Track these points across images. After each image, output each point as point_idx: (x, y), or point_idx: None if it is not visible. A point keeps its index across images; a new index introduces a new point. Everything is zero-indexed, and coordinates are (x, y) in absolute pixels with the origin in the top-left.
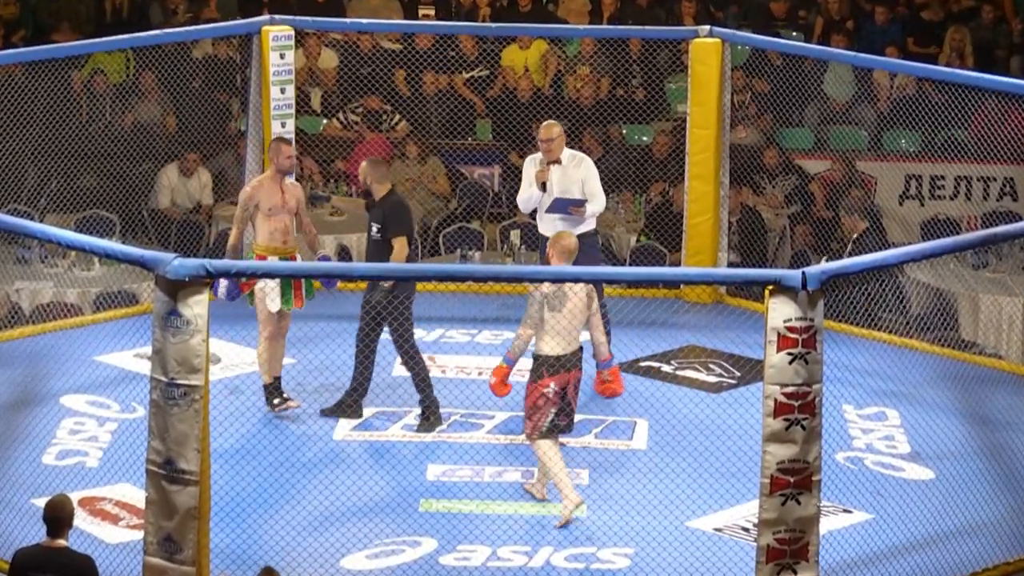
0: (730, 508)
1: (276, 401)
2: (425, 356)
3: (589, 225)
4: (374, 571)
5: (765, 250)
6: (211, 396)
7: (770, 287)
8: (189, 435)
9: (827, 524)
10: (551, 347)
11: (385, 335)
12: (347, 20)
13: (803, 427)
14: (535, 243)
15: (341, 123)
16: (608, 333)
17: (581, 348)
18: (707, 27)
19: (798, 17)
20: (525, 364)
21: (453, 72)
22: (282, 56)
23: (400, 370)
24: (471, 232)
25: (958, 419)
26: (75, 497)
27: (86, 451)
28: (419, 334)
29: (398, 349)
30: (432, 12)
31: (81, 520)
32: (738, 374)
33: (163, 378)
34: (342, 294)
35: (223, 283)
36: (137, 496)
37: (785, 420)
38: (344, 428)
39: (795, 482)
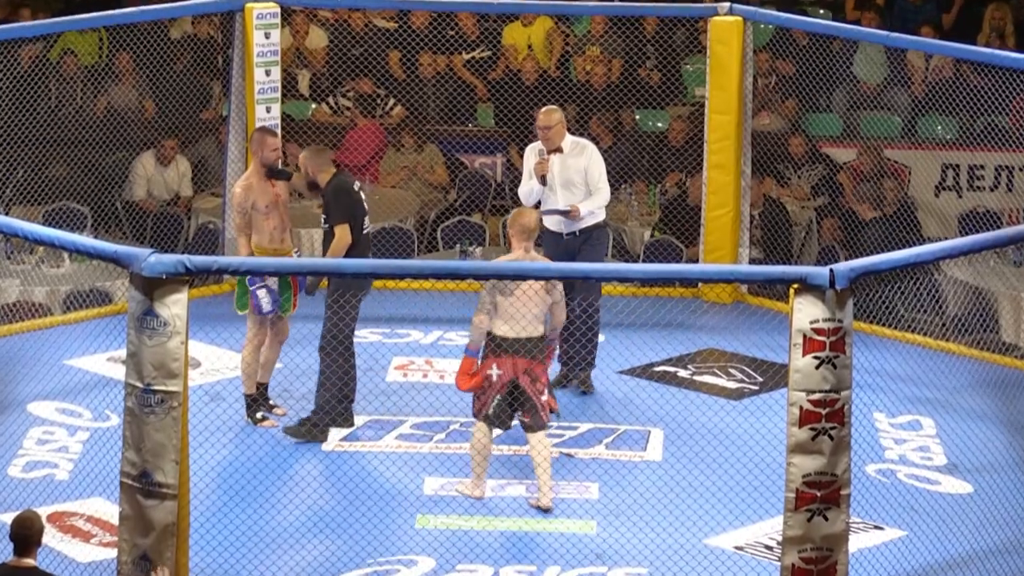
0: (752, 525)
1: (259, 415)
2: (422, 360)
3: (597, 217)
4: None
5: (790, 245)
6: (190, 403)
7: (795, 286)
8: (166, 446)
9: (857, 542)
10: (502, 328)
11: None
12: None
13: (831, 437)
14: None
15: (331, 108)
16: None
17: (542, 339)
18: (727, 4)
19: None
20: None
21: (452, 53)
22: (267, 35)
23: (395, 375)
24: (472, 226)
25: (998, 428)
26: (44, 512)
27: (55, 463)
28: (416, 336)
29: (322, 341)
30: None
31: (50, 537)
32: (760, 380)
33: (138, 384)
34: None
35: (263, 294)
36: (110, 511)
37: (811, 429)
38: (334, 438)
39: (822, 496)
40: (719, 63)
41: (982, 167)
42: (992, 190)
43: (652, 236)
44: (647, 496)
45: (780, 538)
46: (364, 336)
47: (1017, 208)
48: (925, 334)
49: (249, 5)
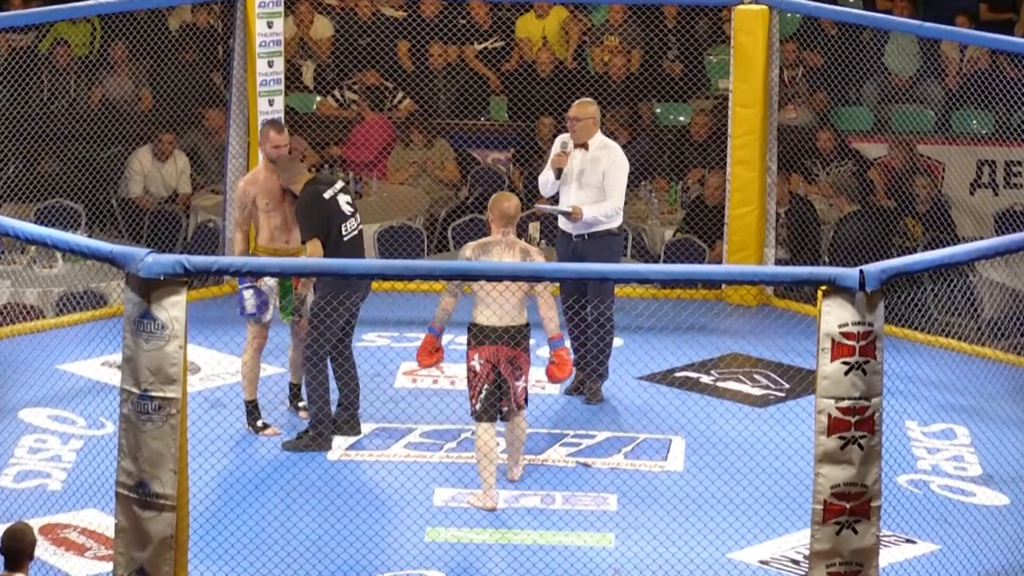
0: (778, 538)
1: (259, 423)
2: None
3: (611, 222)
4: None
5: (818, 246)
6: (189, 410)
7: (823, 287)
8: (164, 454)
9: (888, 556)
10: (480, 317)
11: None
12: None
13: (861, 446)
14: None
15: (337, 101)
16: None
17: (526, 327)
18: None
19: None
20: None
21: (463, 43)
22: (270, 25)
23: (403, 381)
24: (484, 224)
25: None
26: (36, 524)
27: (48, 472)
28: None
29: (307, 349)
30: None
31: (43, 550)
32: (787, 386)
33: (135, 390)
34: None
35: (248, 295)
36: (106, 523)
37: (840, 438)
38: (340, 447)
39: (851, 508)
40: (744, 54)
41: (1019, 163)
42: None
43: (673, 236)
44: (668, 508)
45: (807, 552)
46: (371, 340)
47: None
48: (959, 338)
49: None
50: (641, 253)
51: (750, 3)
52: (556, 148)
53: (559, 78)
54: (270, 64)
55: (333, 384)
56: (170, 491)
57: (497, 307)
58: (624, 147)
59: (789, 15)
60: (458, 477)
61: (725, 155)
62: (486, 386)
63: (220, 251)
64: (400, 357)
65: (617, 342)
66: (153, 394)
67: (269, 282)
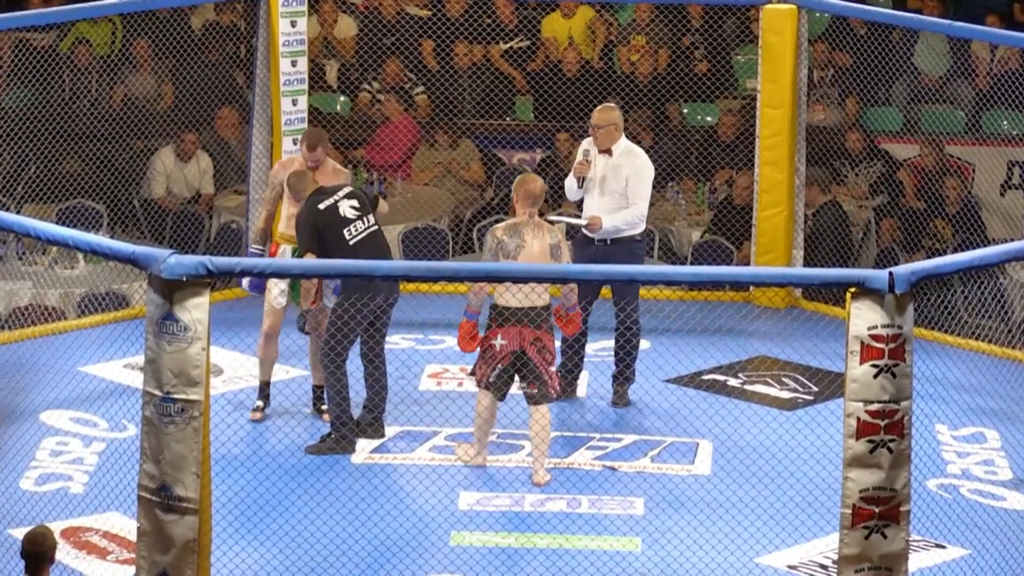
0: (806, 542)
1: (256, 404)
2: (456, 367)
3: (633, 229)
4: None
5: (847, 247)
6: (212, 413)
7: (852, 289)
8: (187, 457)
9: (917, 561)
10: (504, 297)
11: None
12: None
13: (890, 450)
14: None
15: (370, 94)
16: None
17: (547, 308)
18: None
19: None
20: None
21: (489, 43)
22: (293, 24)
23: (428, 383)
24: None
25: None
26: (57, 528)
27: (70, 475)
28: (450, 342)
29: (324, 350)
30: None
31: (64, 554)
32: (815, 389)
33: (157, 392)
34: None
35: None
36: (128, 526)
37: (869, 442)
38: (364, 450)
39: (881, 513)
40: (772, 54)
41: None
42: None
43: (701, 237)
44: (695, 512)
45: (835, 557)
46: (396, 342)
47: None
48: (990, 341)
49: None
50: (668, 255)
51: (778, 2)
52: (579, 155)
53: (585, 78)
54: (293, 63)
55: (358, 386)
56: (193, 494)
57: (525, 288)
58: (650, 148)
59: (818, 15)
60: (483, 481)
61: (753, 156)
62: (500, 366)
63: (243, 252)
64: (425, 359)
65: (644, 344)
66: (176, 396)
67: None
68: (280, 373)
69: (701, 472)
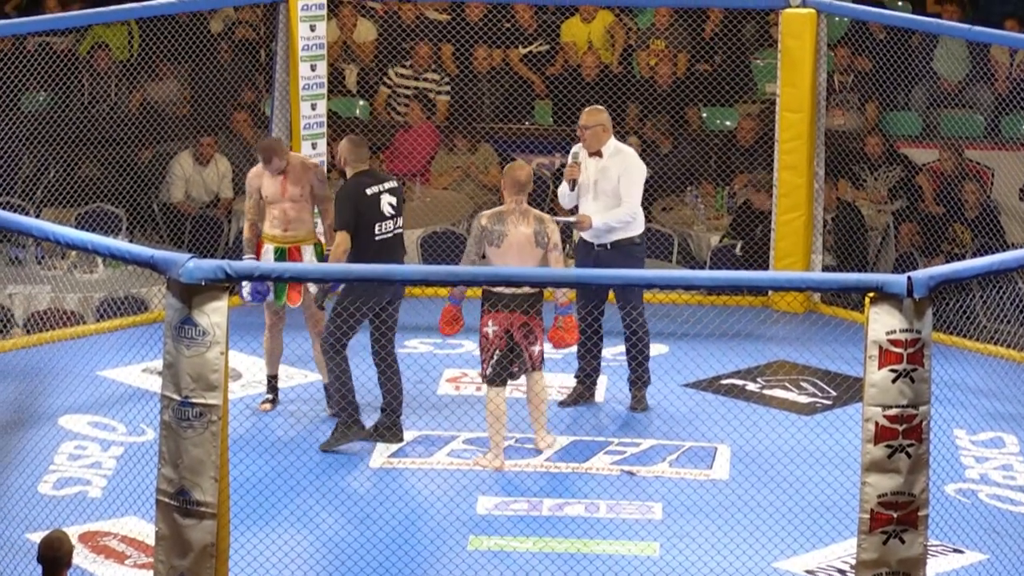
0: (824, 547)
1: (266, 397)
2: (475, 372)
3: (630, 231)
4: None
5: (865, 252)
6: (231, 417)
7: (871, 294)
8: (205, 462)
9: (935, 566)
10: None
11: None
12: None
13: (908, 455)
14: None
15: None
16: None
17: (539, 294)
18: None
19: None
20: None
21: (508, 47)
22: (312, 28)
23: (446, 388)
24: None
25: None
26: (76, 532)
27: (88, 479)
28: (468, 347)
29: (322, 343)
30: None
31: (82, 558)
32: (834, 394)
33: (176, 396)
34: None
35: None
36: (146, 531)
37: (887, 447)
38: (382, 454)
39: (899, 518)
40: (791, 58)
41: None
42: None
43: (720, 241)
44: (713, 517)
45: (853, 562)
46: (414, 347)
47: None
48: (1008, 346)
49: None
50: (687, 259)
51: (798, 6)
52: (569, 159)
53: (604, 82)
54: (313, 68)
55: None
56: (211, 499)
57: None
58: (669, 152)
59: (837, 19)
60: (501, 485)
61: (772, 160)
62: (497, 352)
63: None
64: (443, 364)
65: (662, 349)
66: (194, 401)
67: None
68: (298, 378)
69: (719, 477)
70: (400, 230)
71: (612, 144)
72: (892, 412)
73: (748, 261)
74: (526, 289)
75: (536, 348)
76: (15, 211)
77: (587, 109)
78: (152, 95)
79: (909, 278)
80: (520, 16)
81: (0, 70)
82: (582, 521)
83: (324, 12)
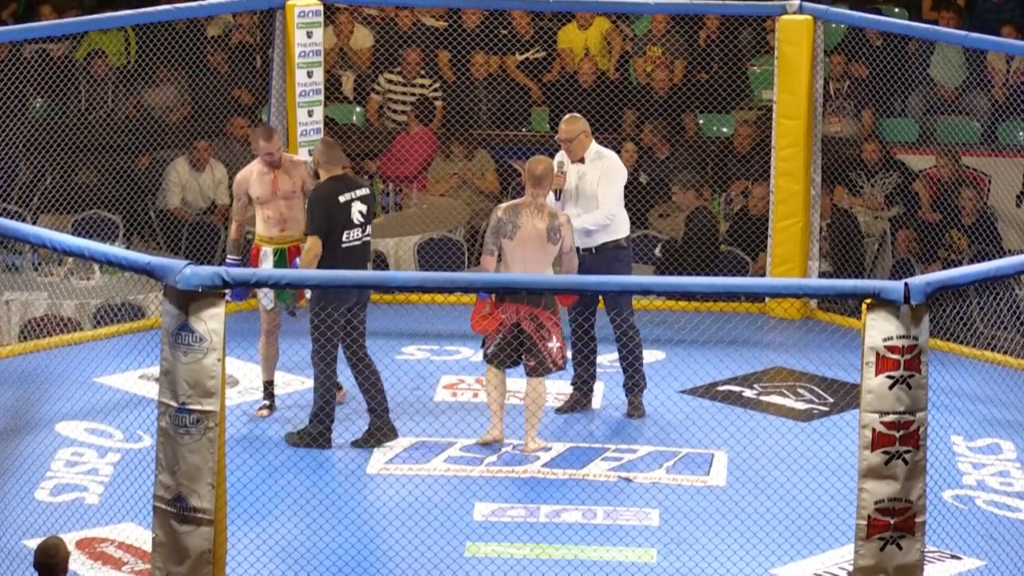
0: (821, 553)
1: (262, 403)
2: (472, 378)
3: (614, 234)
4: None
5: (862, 258)
6: (228, 424)
7: (868, 301)
8: (202, 468)
9: (932, 572)
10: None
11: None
12: None
13: (905, 461)
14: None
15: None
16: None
17: None
18: (796, 2)
19: None
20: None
21: (505, 53)
22: (309, 35)
23: (443, 394)
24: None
25: None
26: (73, 538)
27: (85, 486)
28: (466, 353)
29: (312, 356)
30: None
31: (79, 565)
32: (831, 400)
33: (173, 403)
34: (378, 307)
35: None
36: (143, 537)
37: (885, 453)
38: (379, 460)
39: (896, 524)
40: (788, 65)
41: None
42: None
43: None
44: (710, 523)
45: (851, 568)
46: (411, 353)
47: None
48: (1005, 352)
49: (290, 2)
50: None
51: (794, 13)
52: (555, 167)
53: (601, 89)
54: (309, 74)
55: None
56: (208, 505)
57: (521, 265)
58: (666, 159)
59: (833, 25)
60: (499, 491)
61: (769, 167)
62: (501, 334)
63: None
64: (440, 370)
65: (659, 355)
66: (191, 407)
67: (267, 264)
68: (295, 384)
69: (716, 483)
70: (368, 238)
71: (593, 148)
72: (889, 418)
73: (666, 264)
74: None
75: (553, 345)
76: (12, 218)
77: (565, 119)
78: (149, 101)
79: (906, 284)
80: (517, 23)
81: None
82: (579, 527)
83: (321, 18)
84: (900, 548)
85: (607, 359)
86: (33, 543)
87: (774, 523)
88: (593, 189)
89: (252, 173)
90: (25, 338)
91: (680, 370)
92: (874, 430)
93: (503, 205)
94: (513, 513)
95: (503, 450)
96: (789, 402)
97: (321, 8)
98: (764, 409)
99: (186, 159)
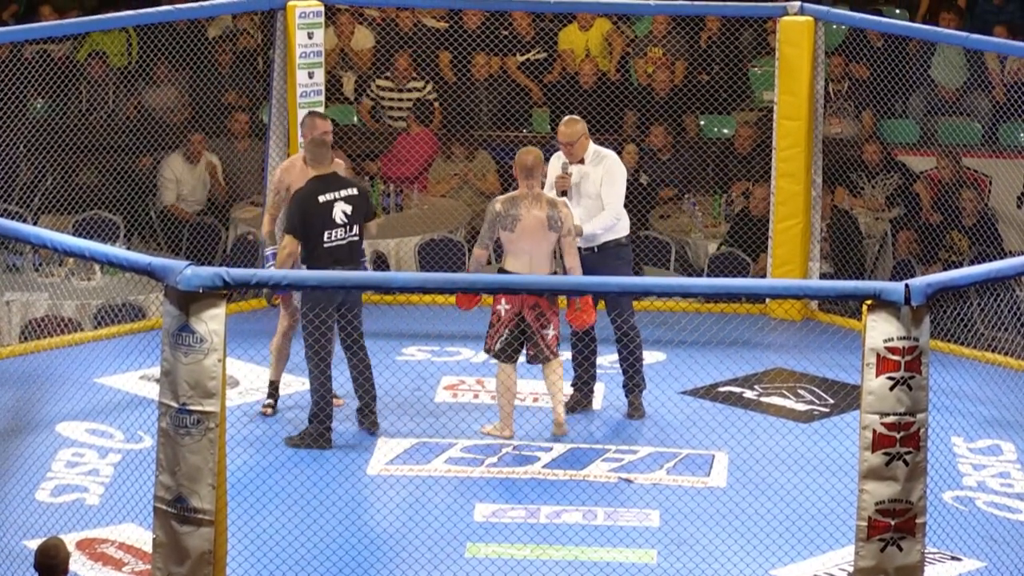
0: (821, 555)
1: (266, 402)
2: (472, 379)
3: (618, 232)
4: None
5: (863, 259)
6: (228, 424)
7: (868, 302)
8: (203, 469)
9: (933, 573)
10: (509, 264)
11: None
12: None
13: (906, 462)
14: None
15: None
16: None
17: (555, 274)
18: (797, 4)
19: None
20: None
21: (506, 54)
22: (310, 36)
23: (444, 395)
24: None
25: None
26: (73, 539)
27: (85, 486)
28: (466, 354)
29: (308, 361)
30: None
31: (79, 565)
32: (831, 401)
33: (173, 403)
34: (378, 308)
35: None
36: (143, 538)
37: (885, 454)
38: (379, 461)
39: (896, 525)
40: (789, 66)
41: None
42: None
43: (717, 249)
44: (711, 524)
45: (851, 569)
46: (412, 354)
47: None
48: (1006, 353)
49: (291, 3)
50: (684, 267)
51: (795, 14)
52: (557, 169)
53: (602, 90)
54: (310, 75)
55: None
56: (208, 506)
57: (526, 256)
58: (668, 160)
59: (834, 27)
60: (499, 492)
61: (770, 168)
62: (507, 330)
63: (260, 264)
64: (440, 371)
65: (660, 356)
66: (192, 408)
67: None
68: (296, 385)
69: (717, 484)
70: (355, 238)
71: (592, 149)
72: (890, 420)
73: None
74: (537, 270)
75: (550, 332)
76: (13, 218)
77: (564, 121)
78: (150, 102)
79: (907, 286)
80: (518, 24)
81: None
82: (580, 528)
83: (322, 19)
84: (900, 549)
85: (607, 360)
86: (33, 544)
87: (774, 524)
88: (596, 189)
89: (296, 166)
90: (26, 338)
91: (681, 371)
92: (875, 431)
93: (500, 198)
94: (513, 514)
95: (503, 451)
96: (790, 403)
97: (322, 9)
98: (765, 410)
99: (180, 154)
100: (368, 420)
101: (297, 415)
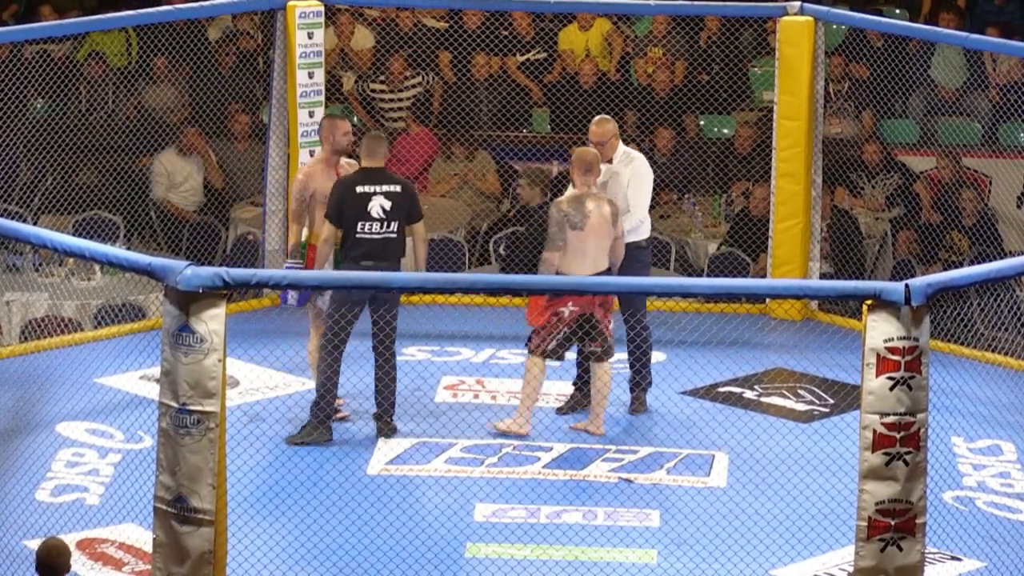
0: (821, 555)
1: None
2: (472, 379)
3: (638, 235)
4: None
5: (863, 259)
6: (228, 424)
7: (868, 302)
8: (203, 469)
9: (933, 573)
10: (574, 266)
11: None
12: None
13: (906, 462)
14: None
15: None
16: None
17: (609, 271)
18: (797, 4)
19: None
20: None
21: (506, 54)
22: (310, 36)
23: (444, 395)
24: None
25: None
26: (73, 539)
27: (86, 486)
28: (466, 354)
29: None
30: None
31: (80, 565)
32: (831, 401)
33: (173, 403)
34: None
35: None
36: (143, 538)
37: (885, 454)
38: (379, 461)
39: (896, 525)
40: (789, 66)
41: None
42: None
43: (717, 249)
44: (711, 524)
45: (851, 569)
46: (412, 354)
47: None
48: (1006, 353)
49: (291, 3)
50: (685, 267)
51: (795, 14)
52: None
53: (602, 90)
54: (310, 75)
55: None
56: (208, 506)
57: (593, 256)
58: (668, 160)
59: (834, 27)
60: (499, 492)
61: (770, 168)
62: (565, 330)
63: (260, 263)
64: (441, 371)
65: (660, 356)
66: (192, 408)
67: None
68: (296, 385)
69: (717, 484)
70: (392, 235)
71: (621, 149)
72: (890, 420)
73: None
74: (600, 268)
75: (612, 325)
76: (13, 218)
77: (595, 120)
78: (150, 102)
79: (907, 286)
80: (518, 24)
81: None
82: (580, 528)
83: (322, 20)
84: (901, 549)
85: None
86: (34, 544)
87: (774, 524)
88: (623, 190)
89: (316, 172)
90: (26, 339)
91: (681, 371)
92: (875, 431)
93: (562, 199)
94: (514, 514)
95: (504, 451)
96: (790, 403)
97: (322, 9)
98: (765, 410)
99: (173, 149)
100: (387, 427)
101: (297, 415)
